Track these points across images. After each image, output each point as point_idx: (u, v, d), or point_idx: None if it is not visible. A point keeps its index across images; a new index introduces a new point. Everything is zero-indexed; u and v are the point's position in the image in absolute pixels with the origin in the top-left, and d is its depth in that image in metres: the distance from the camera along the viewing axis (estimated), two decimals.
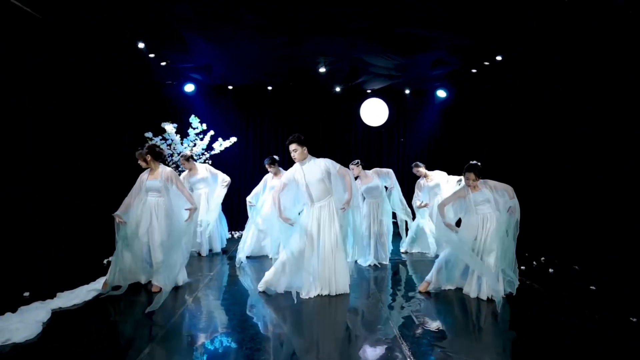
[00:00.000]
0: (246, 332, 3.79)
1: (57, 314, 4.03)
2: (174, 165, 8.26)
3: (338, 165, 4.83)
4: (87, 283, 4.88)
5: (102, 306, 4.41)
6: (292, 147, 4.77)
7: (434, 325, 3.98)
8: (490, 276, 4.55)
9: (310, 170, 4.77)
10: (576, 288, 5.07)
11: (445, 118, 10.00)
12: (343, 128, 10.23)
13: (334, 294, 4.73)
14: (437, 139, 10.13)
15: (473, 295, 4.68)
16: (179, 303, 4.50)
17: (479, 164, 4.79)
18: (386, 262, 6.34)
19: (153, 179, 4.92)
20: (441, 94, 9.73)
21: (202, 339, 3.64)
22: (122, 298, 4.64)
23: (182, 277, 5.06)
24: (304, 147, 4.79)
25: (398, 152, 10.25)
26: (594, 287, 5.02)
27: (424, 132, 10.19)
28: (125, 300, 4.61)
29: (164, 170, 4.98)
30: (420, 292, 4.88)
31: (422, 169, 7.01)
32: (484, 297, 4.59)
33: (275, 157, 6.85)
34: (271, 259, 6.53)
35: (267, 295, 4.77)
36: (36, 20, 5.13)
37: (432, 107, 10.03)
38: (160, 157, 5.03)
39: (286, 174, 4.94)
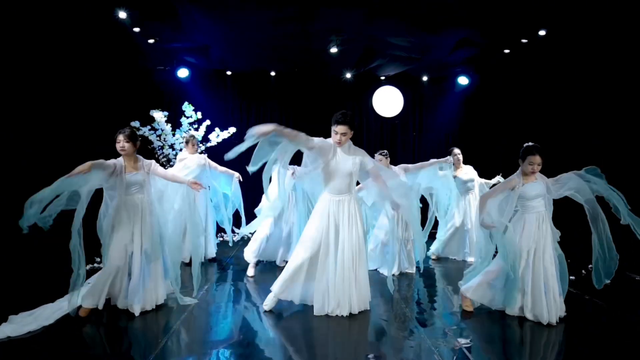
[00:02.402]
0: None
1: (1, 346, 3.09)
2: (165, 158, 7.33)
3: (372, 162, 4.03)
4: (52, 301, 3.91)
5: (66, 333, 3.45)
6: (342, 129, 3.82)
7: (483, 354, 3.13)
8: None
9: (341, 159, 3.88)
10: None
11: (467, 108, 9.06)
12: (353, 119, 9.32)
13: (356, 311, 3.87)
14: (457, 131, 9.20)
15: (529, 316, 3.79)
16: (162, 329, 3.57)
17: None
18: (412, 270, 5.43)
19: (133, 172, 3.93)
20: (463, 80, 8.80)
21: None
22: (93, 322, 3.67)
23: (162, 294, 4.09)
24: (352, 133, 3.91)
25: (414, 146, 9.35)
26: None
27: (443, 123, 9.24)
28: (98, 324, 3.66)
29: (143, 160, 4.06)
30: (465, 310, 4.02)
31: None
32: (544, 320, 3.70)
33: None
34: (279, 266, 5.67)
35: (275, 316, 3.88)
36: None
37: (453, 96, 9.10)
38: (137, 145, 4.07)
39: (320, 139, 3.92)
